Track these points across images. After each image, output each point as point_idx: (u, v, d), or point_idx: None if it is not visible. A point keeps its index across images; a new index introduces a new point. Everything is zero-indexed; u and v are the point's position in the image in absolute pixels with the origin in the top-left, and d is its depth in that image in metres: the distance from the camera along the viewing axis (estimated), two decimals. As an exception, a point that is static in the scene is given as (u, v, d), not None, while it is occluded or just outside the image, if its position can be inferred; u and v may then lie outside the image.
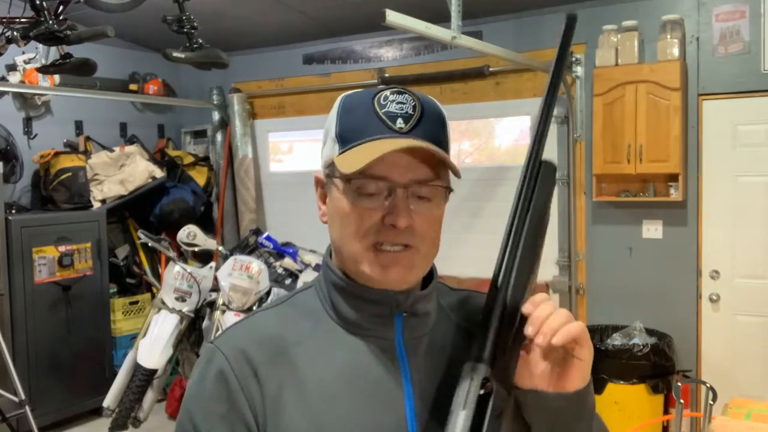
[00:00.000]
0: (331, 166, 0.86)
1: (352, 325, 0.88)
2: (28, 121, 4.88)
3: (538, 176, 0.83)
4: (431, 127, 0.84)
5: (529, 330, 0.78)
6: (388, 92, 0.84)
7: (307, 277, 3.66)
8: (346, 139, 0.84)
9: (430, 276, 0.93)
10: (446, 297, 0.98)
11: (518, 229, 0.82)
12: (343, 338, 0.88)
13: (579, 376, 0.81)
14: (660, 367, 3.71)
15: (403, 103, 0.84)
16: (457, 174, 0.85)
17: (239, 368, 0.84)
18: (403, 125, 0.83)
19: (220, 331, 0.83)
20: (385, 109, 0.83)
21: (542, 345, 0.78)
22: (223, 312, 3.67)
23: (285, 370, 0.85)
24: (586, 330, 0.79)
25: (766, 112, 3.77)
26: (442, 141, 0.85)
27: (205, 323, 3.89)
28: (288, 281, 3.97)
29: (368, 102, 0.84)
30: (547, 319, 0.77)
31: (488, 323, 0.80)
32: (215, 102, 5.62)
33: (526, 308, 0.79)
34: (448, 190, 0.87)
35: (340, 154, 0.84)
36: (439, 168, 0.84)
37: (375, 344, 0.87)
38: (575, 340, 0.78)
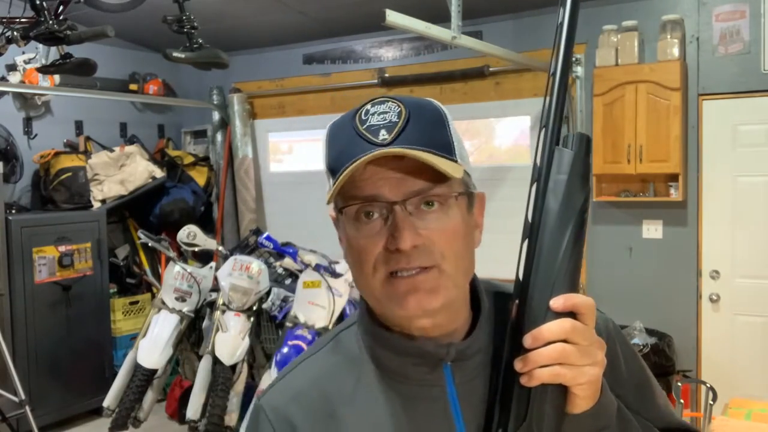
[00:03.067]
0: (333, 202, 0.78)
1: (396, 375, 0.80)
2: (28, 121, 4.88)
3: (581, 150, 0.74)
4: (423, 129, 0.75)
5: (518, 365, 0.71)
6: (369, 105, 0.76)
7: (307, 277, 3.65)
8: (334, 169, 0.75)
9: (478, 305, 0.82)
10: (505, 307, 0.81)
11: (555, 237, 0.72)
12: (388, 390, 0.79)
13: (581, 402, 0.73)
14: (660, 367, 3.71)
15: (386, 113, 0.75)
16: (458, 171, 0.75)
17: None
18: (386, 136, 0.73)
19: (267, 382, 0.79)
20: (367, 125, 0.75)
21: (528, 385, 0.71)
22: (223, 312, 3.67)
23: None
24: (579, 364, 0.70)
25: (766, 112, 3.77)
26: (440, 142, 0.75)
27: (205, 323, 3.89)
28: (288, 281, 3.97)
29: (350, 122, 0.76)
30: (539, 357, 0.70)
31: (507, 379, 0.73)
32: (215, 102, 5.62)
33: (526, 340, 0.71)
34: (463, 195, 0.76)
35: (332, 186, 0.76)
36: (440, 175, 0.73)
37: (424, 394, 0.79)
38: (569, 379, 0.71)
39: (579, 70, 4.24)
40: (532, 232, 0.74)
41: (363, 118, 0.76)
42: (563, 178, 0.73)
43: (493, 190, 4.60)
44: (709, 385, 2.52)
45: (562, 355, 0.70)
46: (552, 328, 0.70)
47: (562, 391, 0.72)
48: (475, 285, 0.84)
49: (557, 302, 0.71)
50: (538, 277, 0.72)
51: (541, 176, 0.74)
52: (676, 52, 3.83)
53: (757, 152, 3.82)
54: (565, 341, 0.70)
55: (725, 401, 2.63)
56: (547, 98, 0.76)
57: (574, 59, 4.20)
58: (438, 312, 0.75)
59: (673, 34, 3.85)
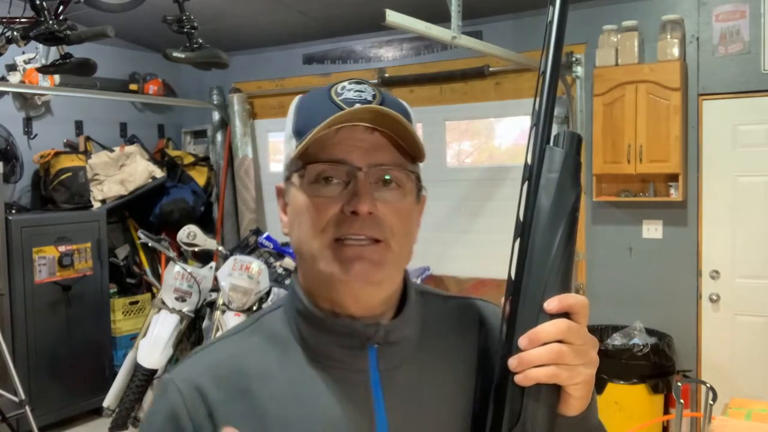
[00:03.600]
0: (289, 166, 0.79)
1: (321, 356, 0.79)
2: (28, 121, 4.88)
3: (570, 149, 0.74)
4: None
5: (513, 363, 0.71)
6: (345, 82, 0.79)
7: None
8: (302, 131, 0.76)
9: (405, 296, 0.83)
10: (434, 309, 0.87)
11: (545, 241, 0.72)
12: (312, 372, 0.78)
13: (576, 403, 0.74)
14: (660, 367, 3.71)
15: (362, 91, 0.77)
16: (422, 154, 0.77)
17: (194, 408, 0.76)
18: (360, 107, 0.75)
19: (177, 363, 0.75)
20: (342, 96, 0.76)
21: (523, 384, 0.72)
22: (223, 312, 3.67)
23: (245, 411, 0.76)
24: (571, 364, 0.71)
25: (766, 112, 3.77)
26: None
27: (205, 323, 3.89)
28: (288, 281, 3.97)
29: (324, 93, 0.78)
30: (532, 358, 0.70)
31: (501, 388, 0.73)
32: (215, 102, 5.62)
33: (521, 342, 0.71)
34: (419, 180, 0.79)
35: (296, 147, 0.76)
36: (405, 157, 0.77)
37: (348, 378, 0.78)
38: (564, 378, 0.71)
39: (579, 70, 4.24)
40: (524, 230, 0.74)
41: (339, 91, 0.77)
42: (554, 176, 0.73)
43: (493, 190, 4.60)
44: (709, 385, 2.52)
45: (558, 355, 0.70)
46: (548, 329, 0.71)
47: (555, 390, 0.72)
48: (405, 277, 0.84)
49: (552, 304, 0.71)
50: (530, 276, 0.72)
51: (532, 175, 0.74)
52: (676, 52, 3.83)
53: (757, 152, 3.82)
54: (560, 341, 0.71)
55: (725, 401, 2.62)
56: (538, 97, 0.76)
57: (574, 59, 4.21)
58: (379, 284, 0.76)
59: (673, 34, 3.85)
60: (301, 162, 0.76)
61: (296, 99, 0.82)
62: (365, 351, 0.78)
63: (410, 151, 0.78)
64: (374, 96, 0.77)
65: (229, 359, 0.80)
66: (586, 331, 0.73)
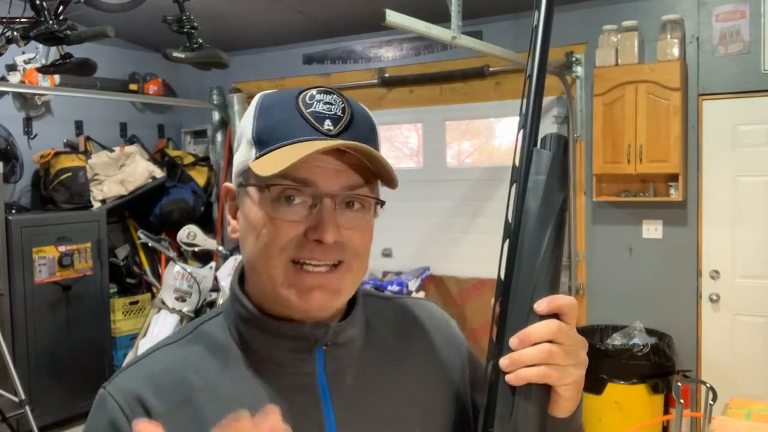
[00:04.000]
0: (245, 173, 0.75)
1: (266, 362, 0.76)
2: (28, 121, 4.88)
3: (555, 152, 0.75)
4: (362, 132, 0.75)
5: (504, 363, 0.72)
6: (314, 91, 0.75)
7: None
8: (264, 141, 0.73)
9: (354, 297, 0.82)
10: (376, 309, 0.86)
11: (534, 243, 0.73)
12: (256, 378, 0.76)
13: (566, 403, 0.75)
14: (660, 367, 3.71)
15: (332, 104, 0.74)
16: (394, 182, 0.75)
17: (133, 415, 0.72)
18: (331, 127, 0.73)
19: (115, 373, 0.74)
20: (311, 109, 0.74)
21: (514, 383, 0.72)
22: (223, 312, 3.67)
23: (188, 422, 0.72)
24: (562, 364, 0.71)
25: (766, 112, 3.77)
26: (375, 147, 0.75)
27: (205, 323, 3.88)
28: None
29: (291, 100, 0.74)
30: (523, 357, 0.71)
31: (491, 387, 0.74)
32: (215, 102, 5.62)
33: (512, 342, 0.72)
34: (379, 203, 0.77)
35: (257, 158, 0.73)
36: (370, 177, 0.75)
37: (294, 383, 0.76)
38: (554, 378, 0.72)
39: (579, 70, 4.24)
40: (512, 232, 0.75)
41: (307, 101, 0.74)
42: (542, 178, 0.74)
43: (493, 190, 4.60)
44: (709, 385, 2.52)
45: (549, 355, 0.71)
46: (539, 329, 0.71)
47: (546, 390, 0.73)
48: None
49: (541, 306, 0.72)
50: (519, 277, 0.73)
51: (520, 177, 0.75)
52: (676, 52, 3.83)
53: (757, 152, 3.81)
54: (550, 341, 0.71)
55: (725, 401, 2.62)
56: (524, 100, 0.77)
57: (574, 59, 4.21)
58: (335, 309, 0.77)
59: (673, 34, 3.85)
60: (266, 177, 0.71)
61: (258, 96, 0.78)
62: (313, 354, 0.77)
63: (378, 176, 0.76)
64: (344, 109, 0.75)
65: (168, 369, 0.76)
66: (576, 332, 0.74)
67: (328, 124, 0.73)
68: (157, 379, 0.75)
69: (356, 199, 0.75)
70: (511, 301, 0.73)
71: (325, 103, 0.75)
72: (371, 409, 0.79)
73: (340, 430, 0.76)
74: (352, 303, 0.82)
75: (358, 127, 0.75)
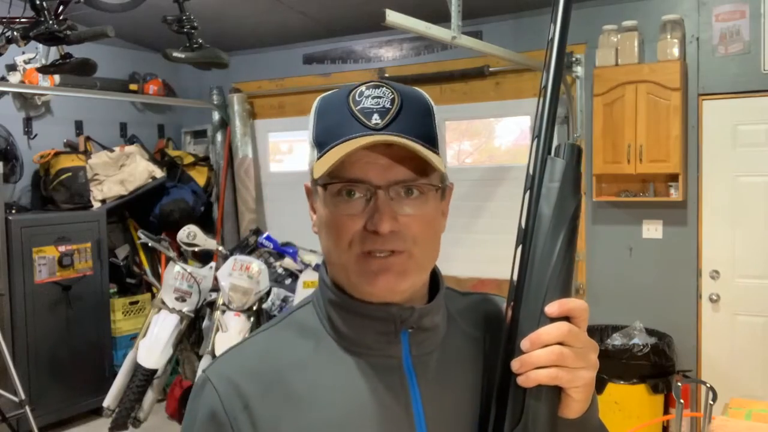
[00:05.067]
0: (312, 174, 0.81)
1: (354, 345, 0.81)
2: (28, 121, 4.88)
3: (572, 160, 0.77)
4: (413, 120, 0.77)
5: (515, 365, 0.74)
6: (363, 87, 0.78)
7: (307, 277, 3.66)
8: (322, 143, 0.78)
9: (437, 285, 0.86)
10: (456, 303, 0.90)
11: (547, 248, 0.75)
12: (345, 359, 0.80)
13: (576, 405, 0.76)
14: (660, 367, 3.71)
15: (380, 97, 0.77)
16: (438, 171, 0.78)
17: (230, 404, 0.78)
18: (378, 120, 0.76)
19: (214, 357, 0.78)
20: (360, 106, 0.77)
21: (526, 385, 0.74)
22: (223, 312, 3.67)
23: (281, 401, 0.78)
24: (573, 367, 0.73)
25: (766, 112, 3.77)
26: (427, 134, 0.78)
27: (205, 323, 3.89)
28: (288, 281, 3.97)
29: (343, 100, 0.78)
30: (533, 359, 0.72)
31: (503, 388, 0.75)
32: (215, 102, 5.62)
33: (524, 344, 0.74)
34: (441, 188, 0.80)
35: (317, 159, 0.78)
36: (426, 165, 0.76)
37: (381, 364, 0.80)
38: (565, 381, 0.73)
39: (579, 70, 4.24)
40: (525, 237, 0.77)
41: (357, 99, 0.77)
42: (555, 185, 0.76)
43: (493, 190, 4.60)
44: (709, 385, 2.52)
45: (560, 357, 0.72)
46: (550, 331, 0.73)
47: (556, 393, 0.74)
48: (435, 269, 0.87)
49: (552, 308, 0.73)
50: (532, 281, 0.75)
51: (534, 184, 0.77)
52: (676, 52, 3.83)
53: (757, 152, 3.81)
54: (561, 344, 0.73)
55: (725, 401, 2.62)
56: (539, 110, 0.78)
57: (574, 59, 4.21)
58: (403, 293, 0.79)
59: (673, 34, 3.85)
60: (326, 176, 0.76)
61: (317, 100, 0.83)
62: (398, 337, 0.80)
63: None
64: (393, 100, 0.77)
65: (261, 353, 0.82)
66: (586, 335, 0.75)
67: (375, 118, 0.76)
68: (251, 364, 0.81)
69: (414, 187, 0.77)
70: (523, 304, 0.75)
71: (374, 98, 0.77)
72: (453, 394, 0.81)
73: (427, 410, 0.79)
74: (434, 292, 0.85)
75: (408, 116, 0.77)
